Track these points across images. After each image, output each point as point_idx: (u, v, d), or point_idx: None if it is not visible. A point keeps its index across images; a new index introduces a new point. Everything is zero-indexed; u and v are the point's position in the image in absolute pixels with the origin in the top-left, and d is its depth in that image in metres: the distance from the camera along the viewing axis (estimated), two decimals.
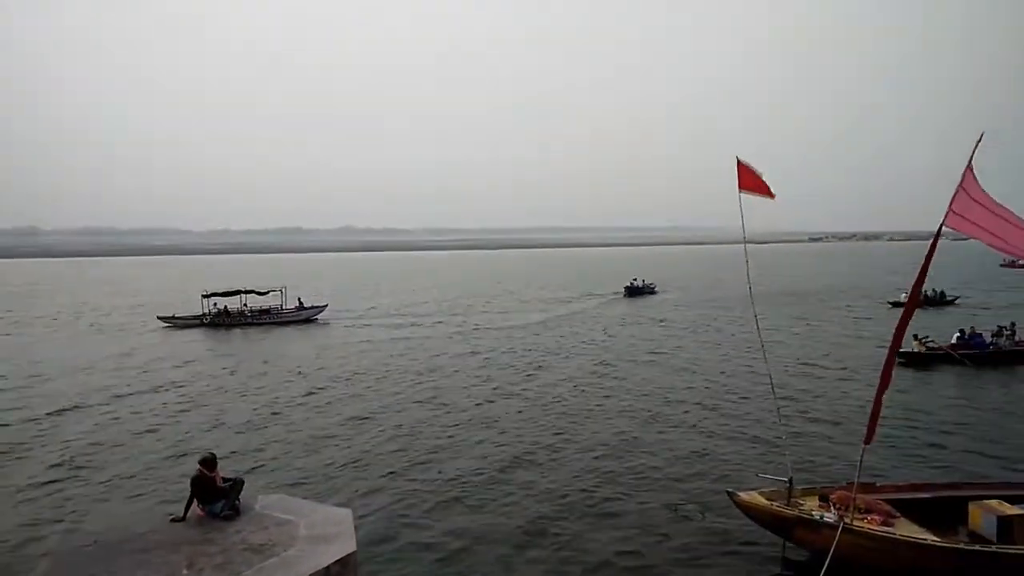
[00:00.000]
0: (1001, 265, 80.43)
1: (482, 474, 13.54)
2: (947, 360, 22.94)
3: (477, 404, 19.71)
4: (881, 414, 8.72)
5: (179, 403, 20.72)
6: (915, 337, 24.22)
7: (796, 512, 9.34)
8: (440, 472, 13.77)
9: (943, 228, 7.88)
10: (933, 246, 8.16)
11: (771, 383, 11.86)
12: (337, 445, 15.89)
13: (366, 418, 18.32)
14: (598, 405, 19.35)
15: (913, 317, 8.41)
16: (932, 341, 24.39)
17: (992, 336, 24.91)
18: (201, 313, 42.61)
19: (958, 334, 24.84)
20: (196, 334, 38.76)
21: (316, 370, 25.92)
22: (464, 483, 13.04)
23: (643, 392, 20.91)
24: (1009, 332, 24.99)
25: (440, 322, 41.09)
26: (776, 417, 13.91)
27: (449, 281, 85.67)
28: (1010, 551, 8.17)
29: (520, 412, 18.64)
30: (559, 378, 23.35)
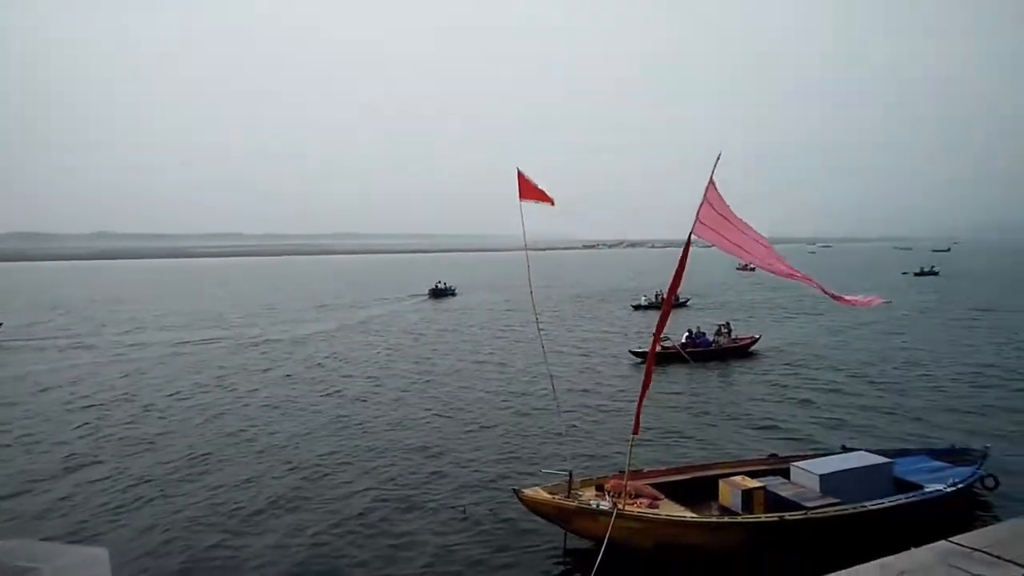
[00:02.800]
0: (737, 269, 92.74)
1: (256, 501, 12.52)
2: (679, 358, 24.98)
3: (243, 422, 18.21)
4: (644, 407, 9.58)
5: None
6: (667, 338, 26.56)
7: (575, 503, 9.90)
8: (209, 500, 12.56)
9: (692, 237, 8.84)
10: (685, 253, 9.10)
11: (552, 382, 12.47)
12: (81, 478, 13.82)
13: (111, 447, 16.07)
14: (382, 414, 18.96)
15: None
16: (668, 340, 26.43)
17: (714, 335, 28.06)
18: None
19: (687, 333, 27.32)
20: None
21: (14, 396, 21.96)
22: (235, 512, 11.98)
23: (431, 396, 21.00)
24: (727, 331, 28.39)
25: (212, 337, 37.16)
26: (558, 414, 14.75)
27: (224, 290, 78.60)
28: (751, 520, 9.45)
29: (297, 427, 17.61)
30: (344, 387, 22.56)
